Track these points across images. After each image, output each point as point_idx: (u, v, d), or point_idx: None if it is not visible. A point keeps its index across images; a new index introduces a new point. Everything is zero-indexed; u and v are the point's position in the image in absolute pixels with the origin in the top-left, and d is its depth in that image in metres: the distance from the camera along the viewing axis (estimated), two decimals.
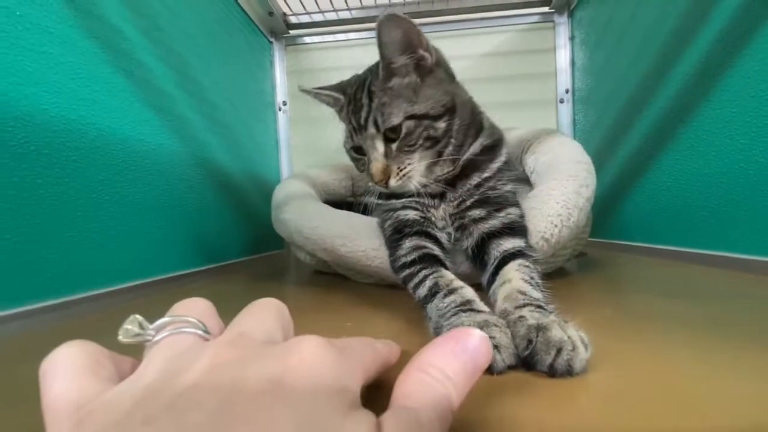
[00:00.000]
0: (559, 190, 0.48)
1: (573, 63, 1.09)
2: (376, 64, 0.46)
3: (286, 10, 1.10)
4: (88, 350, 0.17)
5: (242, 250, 0.93)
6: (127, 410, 0.13)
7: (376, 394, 0.17)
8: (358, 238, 0.53)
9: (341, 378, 0.15)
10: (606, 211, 0.90)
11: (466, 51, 1.14)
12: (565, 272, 0.60)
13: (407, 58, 0.43)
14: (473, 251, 0.43)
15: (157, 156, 0.65)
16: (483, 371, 0.18)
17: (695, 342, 0.29)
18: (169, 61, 0.69)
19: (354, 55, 1.16)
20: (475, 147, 0.46)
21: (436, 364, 0.16)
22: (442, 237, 0.45)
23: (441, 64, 0.46)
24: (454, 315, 0.30)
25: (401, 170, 0.43)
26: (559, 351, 0.24)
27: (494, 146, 0.47)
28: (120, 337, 0.17)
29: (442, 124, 0.43)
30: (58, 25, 0.48)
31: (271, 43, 1.17)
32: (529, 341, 0.25)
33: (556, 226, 0.46)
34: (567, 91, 1.09)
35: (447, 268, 0.40)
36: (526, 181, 0.57)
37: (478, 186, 0.45)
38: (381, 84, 0.44)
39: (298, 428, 0.12)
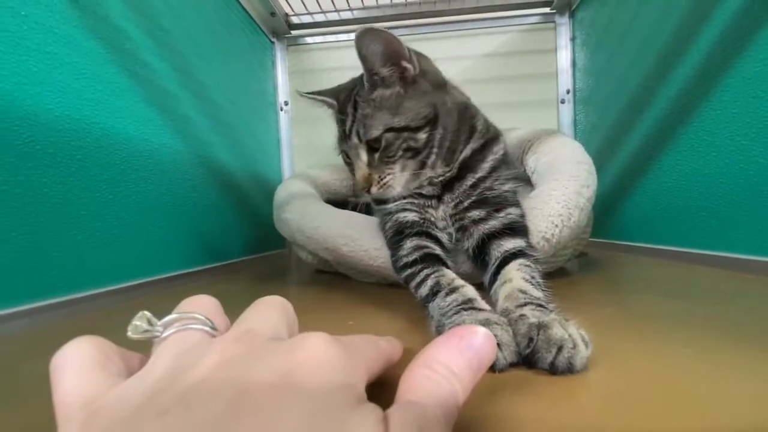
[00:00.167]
0: (560, 191, 0.48)
1: (574, 63, 1.09)
2: (362, 74, 0.46)
3: (288, 10, 1.10)
4: (97, 346, 0.17)
5: (244, 249, 0.94)
6: (138, 405, 0.13)
7: (380, 391, 0.17)
8: (360, 238, 0.53)
9: (347, 374, 0.15)
10: (607, 212, 0.90)
11: (467, 51, 1.14)
12: (565, 272, 0.60)
13: (389, 69, 0.44)
14: (474, 252, 0.43)
15: (160, 155, 0.65)
16: (487, 368, 0.18)
17: (696, 342, 0.29)
18: (172, 61, 0.70)
19: (355, 55, 1.16)
20: (467, 151, 0.46)
21: (441, 360, 0.17)
22: (443, 237, 0.45)
23: (426, 73, 0.46)
24: (455, 313, 0.30)
25: (382, 179, 0.45)
26: (560, 349, 0.24)
27: (485, 146, 0.47)
28: (129, 333, 0.17)
29: (422, 136, 0.44)
30: (63, 25, 0.49)
31: (273, 43, 1.17)
32: (530, 339, 0.25)
33: (557, 226, 0.46)
34: (568, 92, 1.09)
35: (448, 268, 0.40)
36: (526, 180, 0.57)
37: (473, 186, 0.45)
38: (365, 95, 0.45)
39: (307, 420, 0.12)
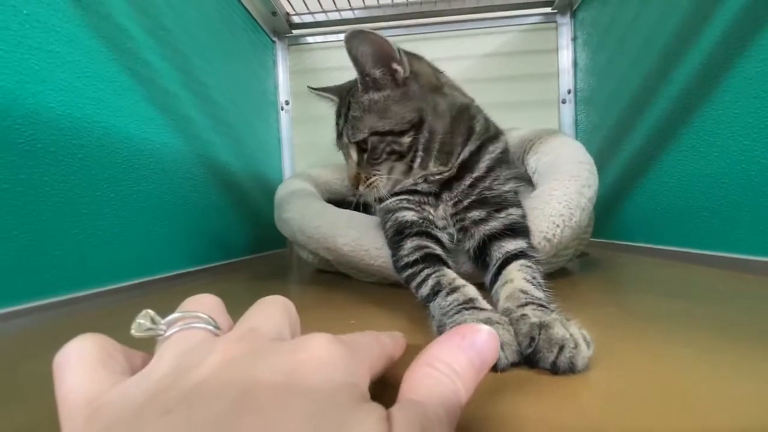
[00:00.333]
0: (561, 191, 0.48)
1: (575, 63, 1.09)
2: None
3: (289, 9, 1.10)
4: (100, 343, 0.17)
5: (245, 248, 0.94)
6: (141, 403, 0.13)
7: (383, 390, 0.17)
8: (361, 238, 0.53)
9: (349, 374, 0.15)
10: (608, 212, 0.90)
11: (468, 51, 1.14)
12: (566, 272, 0.60)
13: (381, 71, 0.44)
14: (475, 252, 0.43)
15: (161, 155, 0.65)
16: (490, 367, 0.18)
17: (696, 342, 0.29)
18: (173, 60, 0.70)
19: None
20: (465, 153, 0.46)
21: (443, 358, 0.16)
22: (444, 237, 0.45)
23: (418, 75, 0.46)
24: (457, 313, 0.30)
25: (368, 179, 0.47)
26: (561, 348, 0.24)
27: (481, 147, 0.47)
28: (132, 331, 0.17)
29: (406, 140, 0.45)
30: (65, 23, 0.49)
31: (273, 42, 1.17)
32: (532, 339, 0.25)
33: (558, 226, 0.46)
34: (569, 92, 1.09)
35: (449, 268, 0.40)
36: (527, 180, 0.57)
37: (472, 186, 0.45)
38: (358, 97, 0.46)
39: (310, 419, 0.12)
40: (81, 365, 0.16)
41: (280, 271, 0.82)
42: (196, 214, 0.75)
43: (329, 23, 1.13)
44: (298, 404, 0.13)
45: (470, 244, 0.44)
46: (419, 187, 0.46)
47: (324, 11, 1.09)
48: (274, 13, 1.07)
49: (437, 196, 0.46)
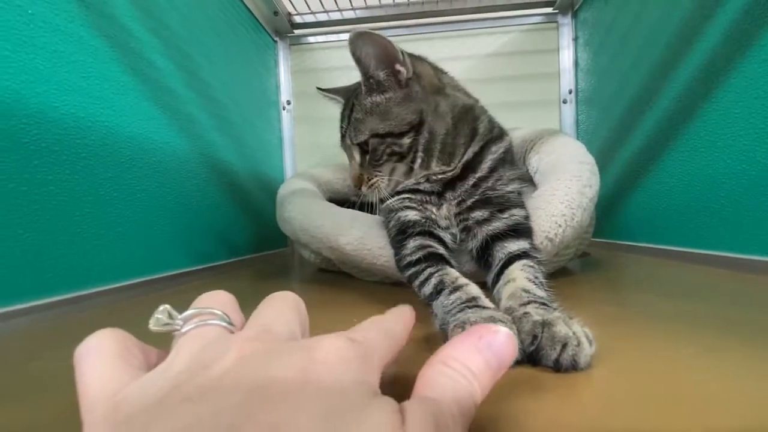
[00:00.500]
0: (563, 190, 0.48)
1: (576, 63, 1.09)
2: None
3: (290, 9, 1.11)
4: (119, 338, 0.17)
5: (246, 248, 0.94)
6: (161, 396, 0.14)
7: (395, 388, 0.17)
8: (364, 237, 0.53)
9: (361, 372, 0.15)
10: (609, 212, 0.90)
11: (469, 51, 1.14)
12: (568, 271, 0.60)
13: (384, 72, 0.44)
14: (478, 252, 0.44)
15: (164, 154, 0.65)
16: (507, 368, 0.18)
17: (698, 341, 0.29)
18: (176, 59, 0.70)
19: None
20: (469, 154, 0.47)
21: (458, 357, 0.16)
22: (446, 237, 0.45)
23: (420, 76, 0.47)
24: (460, 311, 0.30)
25: (370, 180, 0.48)
26: (564, 346, 0.24)
27: (484, 147, 0.47)
28: (150, 326, 0.18)
29: (406, 141, 0.45)
30: (70, 23, 0.49)
31: (275, 42, 1.17)
32: (534, 337, 0.26)
33: (560, 225, 0.46)
34: (570, 92, 1.09)
35: (452, 267, 0.40)
36: (530, 180, 0.58)
37: (475, 186, 0.45)
38: (361, 99, 0.47)
39: (323, 414, 0.13)
40: (101, 359, 0.16)
41: (282, 270, 0.82)
42: (198, 213, 0.75)
43: (331, 23, 1.13)
44: (311, 401, 0.13)
45: (473, 244, 0.44)
46: (421, 186, 0.46)
47: (326, 11, 1.09)
48: (275, 13, 1.07)
49: (440, 195, 0.46)
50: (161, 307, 0.18)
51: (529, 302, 0.30)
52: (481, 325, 0.19)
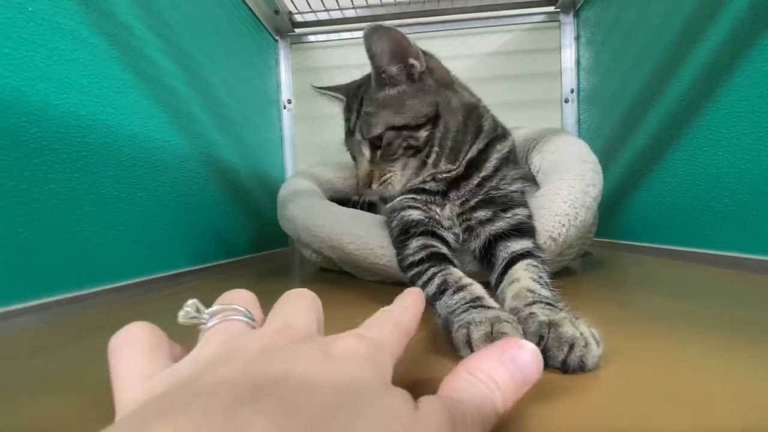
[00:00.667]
0: (567, 190, 0.48)
1: (578, 62, 1.09)
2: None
3: (291, 8, 1.10)
4: (150, 331, 0.19)
5: (247, 247, 0.94)
6: (192, 377, 0.15)
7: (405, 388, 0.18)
8: (366, 236, 0.53)
9: (376, 369, 0.16)
10: (611, 211, 0.90)
11: (470, 50, 1.14)
12: (570, 271, 0.60)
13: (397, 67, 0.44)
14: (481, 252, 0.43)
15: (164, 152, 0.65)
16: (532, 384, 0.18)
17: (704, 341, 0.29)
18: (177, 58, 0.70)
19: (359, 53, 1.15)
20: (473, 151, 0.46)
21: (484, 368, 0.17)
22: (449, 237, 0.45)
23: (432, 71, 0.46)
24: (464, 311, 0.30)
25: (382, 176, 0.46)
26: (571, 347, 0.24)
27: (488, 145, 0.47)
28: (179, 318, 0.19)
29: (422, 134, 0.44)
30: (70, 21, 0.49)
31: (276, 41, 1.17)
32: (541, 337, 0.25)
33: (563, 225, 0.46)
34: (572, 91, 1.09)
35: (455, 267, 0.40)
36: (533, 179, 0.57)
37: (479, 185, 0.45)
38: (372, 93, 0.45)
39: (342, 398, 0.13)
40: (136, 348, 0.18)
41: (283, 269, 0.82)
42: (199, 212, 0.75)
43: (331, 22, 1.13)
44: (328, 390, 0.14)
45: (476, 243, 0.43)
46: (427, 186, 0.46)
47: (326, 10, 1.09)
48: (276, 12, 1.07)
49: (444, 195, 0.46)
50: (190, 301, 0.19)
51: (534, 302, 0.30)
52: (508, 339, 0.19)
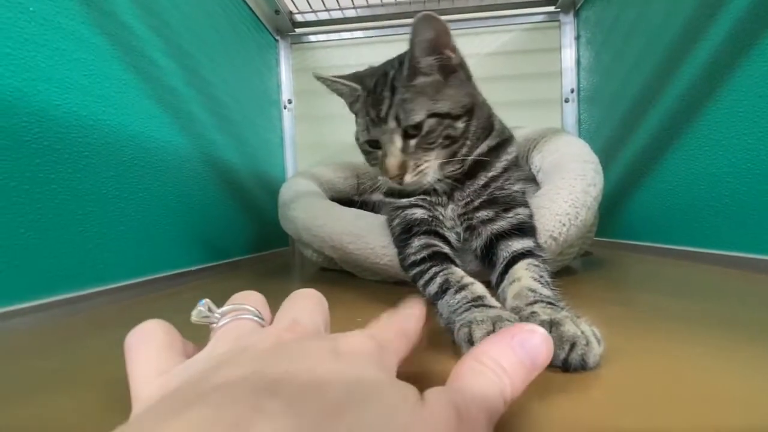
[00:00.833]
0: (567, 189, 0.48)
1: (578, 62, 1.09)
2: (397, 58, 0.46)
3: (292, 8, 1.10)
4: (165, 329, 0.20)
5: (247, 247, 0.94)
6: (206, 372, 0.15)
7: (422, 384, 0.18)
8: (367, 236, 0.53)
9: (381, 366, 0.17)
10: (612, 211, 0.90)
11: (471, 50, 1.14)
12: (571, 270, 0.60)
13: (434, 58, 0.43)
14: (482, 251, 0.43)
15: (165, 152, 0.65)
16: (542, 369, 0.18)
17: (705, 340, 0.29)
18: (177, 58, 0.70)
19: (359, 53, 1.17)
20: (483, 147, 0.46)
21: (491, 354, 0.17)
22: (451, 236, 0.45)
23: (463, 65, 0.46)
24: (466, 311, 0.30)
25: (418, 166, 0.43)
26: (573, 346, 0.24)
27: (499, 146, 0.47)
28: (192, 317, 0.20)
29: (461, 124, 0.43)
30: (71, 21, 0.49)
31: (276, 41, 1.17)
32: None
33: (564, 224, 0.46)
34: (572, 91, 1.09)
35: (457, 266, 0.40)
36: (534, 180, 0.57)
37: (485, 186, 0.45)
38: (405, 80, 0.43)
39: (349, 390, 0.14)
40: (150, 346, 0.18)
41: (284, 269, 0.82)
42: (200, 212, 0.75)
43: (332, 22, 1.13)
44: (336, 382, 0.14)
45: (477, 243, 0.44)
46: (437, 186, 0.45)
47: (327, 10, 1.09)
48: (277, 12, 1.07)
49: (449, 195, 0.45)
50: (203, 301, 0.20)
51: (535, 301, 0.30)
52: (517, 324, 0.19)
